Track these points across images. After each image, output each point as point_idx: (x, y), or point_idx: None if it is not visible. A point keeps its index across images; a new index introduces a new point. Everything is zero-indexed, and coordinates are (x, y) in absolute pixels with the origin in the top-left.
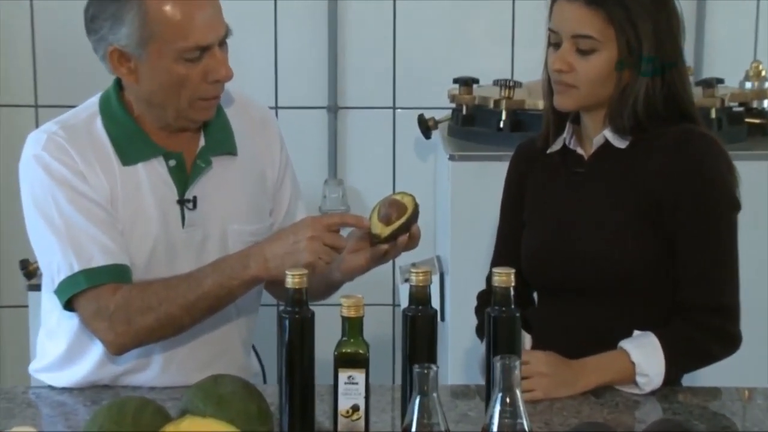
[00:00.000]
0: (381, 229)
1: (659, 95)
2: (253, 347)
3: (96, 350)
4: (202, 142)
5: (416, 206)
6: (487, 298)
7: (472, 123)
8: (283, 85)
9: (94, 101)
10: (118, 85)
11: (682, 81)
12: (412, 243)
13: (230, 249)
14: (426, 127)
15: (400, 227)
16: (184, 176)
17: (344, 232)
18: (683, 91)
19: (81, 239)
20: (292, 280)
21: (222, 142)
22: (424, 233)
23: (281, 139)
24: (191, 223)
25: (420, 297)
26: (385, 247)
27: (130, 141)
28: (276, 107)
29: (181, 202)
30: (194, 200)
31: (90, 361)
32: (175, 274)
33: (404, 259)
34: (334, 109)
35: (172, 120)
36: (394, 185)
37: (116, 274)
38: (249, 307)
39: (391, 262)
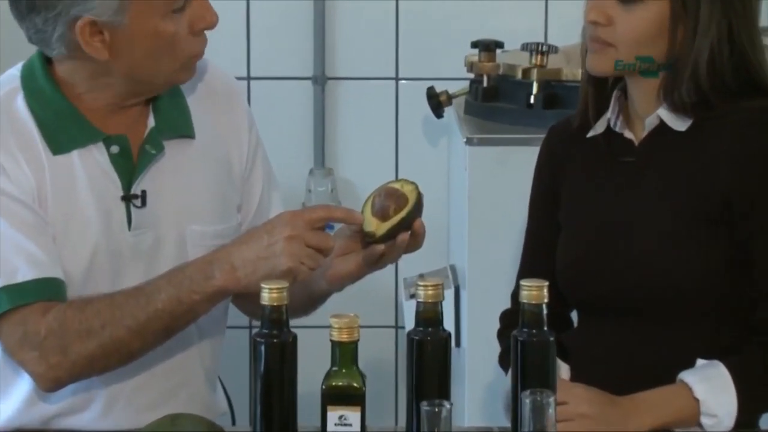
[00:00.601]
0: (376, 226)
1: (727, 63)
2: (219, 379)
3: (23, 386)
4: (151, 122)
5: (419, 196)
6: (513, 318)
7: (495, 98)
8: (257, 49)
9: (13, 74)
10: (44, 57)
11: (753, 44)
12: (415, 242)
13: (189, 255)
14: (437, 102)
15: (400, 223)
16: (129, 165)
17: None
18: (757, 58)
19: (2, 248)
20: (269, 295)
21: (176, 122)
22: (436, 238)
23: (250, 116)
24: (140, 224)
25: (429, 317)
26: (381, 247)
27: (62, 123)
28: (248, 78)
29: (127, 198)
30: (143, 195)
31: (16, 400)
32: (120, 289)
33: (410, 269)
34: (321, 81)
35: (155, 89)
36: (397, 176)
37: (47, 291)
38: (214, 329)
39: (393, 274)
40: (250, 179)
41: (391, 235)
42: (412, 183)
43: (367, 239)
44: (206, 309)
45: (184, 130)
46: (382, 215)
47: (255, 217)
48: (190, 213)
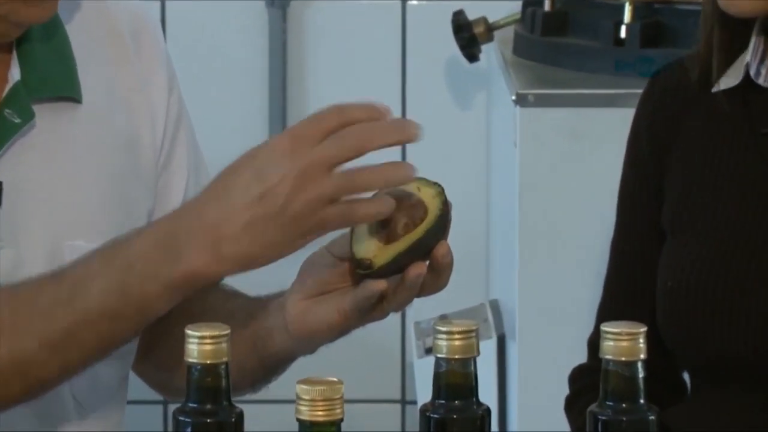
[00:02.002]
0: (375, 251)
1: None
2: None
3: None
4: (14, 74)
5: (445, 205)
6: (591, 379)
7: (562, 29)
8: None
9: None
10: None
11: None
12: (437, 280)
13: None
14: (470, 37)
15: (414, 247)
16: None
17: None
18: None
19: None
20: (199, 347)
21: (53, 76)
22: (468, 258)
23: (170, 70)
24: None
25: (456, 383)
26: (381, 285)
27: None
28: None
29: None
30: None
31: None
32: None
33: (425, 308)
34: (280, 2)
35: None
36: (404, 154)
37: None
38: (106, 408)
39: (398, 315)
40: (169, 168)
41: (398, 265)
42: (435, 184)
43: (359, 271)
44: (162, 309)
45: (66, 90)
46: (387, 234)
47: None
48: (72, 220)
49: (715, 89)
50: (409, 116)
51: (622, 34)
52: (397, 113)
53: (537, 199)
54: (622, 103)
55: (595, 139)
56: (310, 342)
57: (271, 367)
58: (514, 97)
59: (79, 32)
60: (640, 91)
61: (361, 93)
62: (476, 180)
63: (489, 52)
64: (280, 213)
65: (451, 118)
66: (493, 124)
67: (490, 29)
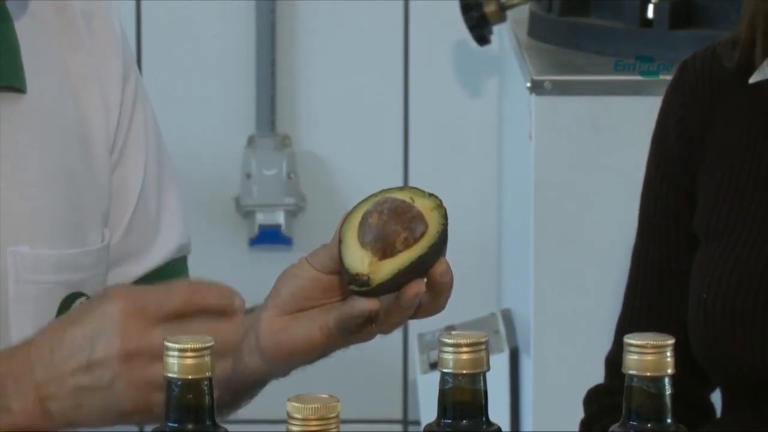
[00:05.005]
0: (370, 265)
1: None
2: None
3: None
4: None
5: (446, 219)
6: (608, 402)
7: (582, 9)
8: None
9: None
10: None
11: None
12: (437, 301)
13: (11, 301)
14: (479, 17)
15: (415, 265)
16: None
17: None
18: None
19: None
20: (180, 361)
21: None
22: (477, 264)
23: (126, 54)
24: None
25: (464, 401)
26: (373, 305)
27: None
28: None
29: None
30: None
31: None
32: None
33: (429, 319)
34: None
35: None
36: (406, 151)
37: None
38: None
39: (400, 327)
40: (123, 165)
41: (397, 283)
42: (431, 196)
43: (354, 287)
44: None
45: (9, 79)
46: (383, 248)
47: (127, 237)
48: (15, 224)
49: (753, 80)
50: (412, 106)
51: (650, 13)
52: (398, 102)
53: (554, 198)
54: (648, 91)
55: (618, 131)
56: (285, 363)
57: (240, 391)
58: (528, 84)
59: (25, 13)
60: (669, 77)
61: (359, 81)
62: (486, 176)
63: (501, 34)
64: (107, 388)
65: (458, 108)
66: (506, 115)
67: (503, 8)
